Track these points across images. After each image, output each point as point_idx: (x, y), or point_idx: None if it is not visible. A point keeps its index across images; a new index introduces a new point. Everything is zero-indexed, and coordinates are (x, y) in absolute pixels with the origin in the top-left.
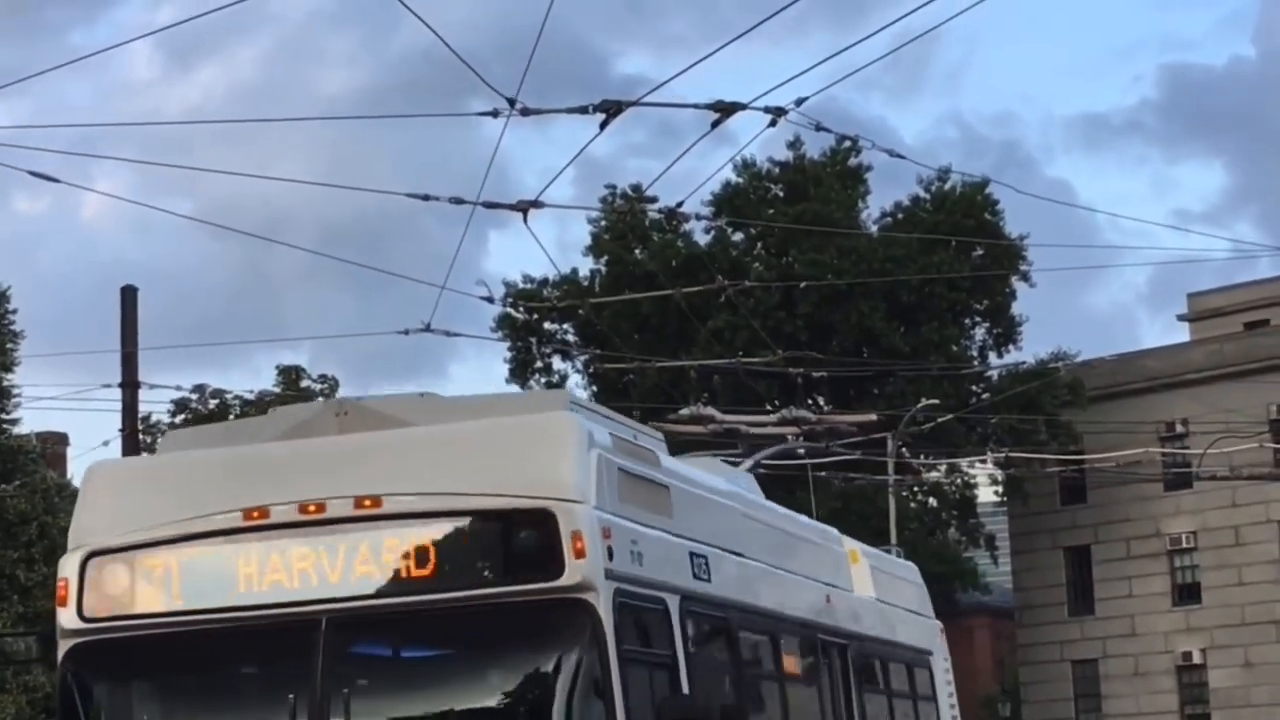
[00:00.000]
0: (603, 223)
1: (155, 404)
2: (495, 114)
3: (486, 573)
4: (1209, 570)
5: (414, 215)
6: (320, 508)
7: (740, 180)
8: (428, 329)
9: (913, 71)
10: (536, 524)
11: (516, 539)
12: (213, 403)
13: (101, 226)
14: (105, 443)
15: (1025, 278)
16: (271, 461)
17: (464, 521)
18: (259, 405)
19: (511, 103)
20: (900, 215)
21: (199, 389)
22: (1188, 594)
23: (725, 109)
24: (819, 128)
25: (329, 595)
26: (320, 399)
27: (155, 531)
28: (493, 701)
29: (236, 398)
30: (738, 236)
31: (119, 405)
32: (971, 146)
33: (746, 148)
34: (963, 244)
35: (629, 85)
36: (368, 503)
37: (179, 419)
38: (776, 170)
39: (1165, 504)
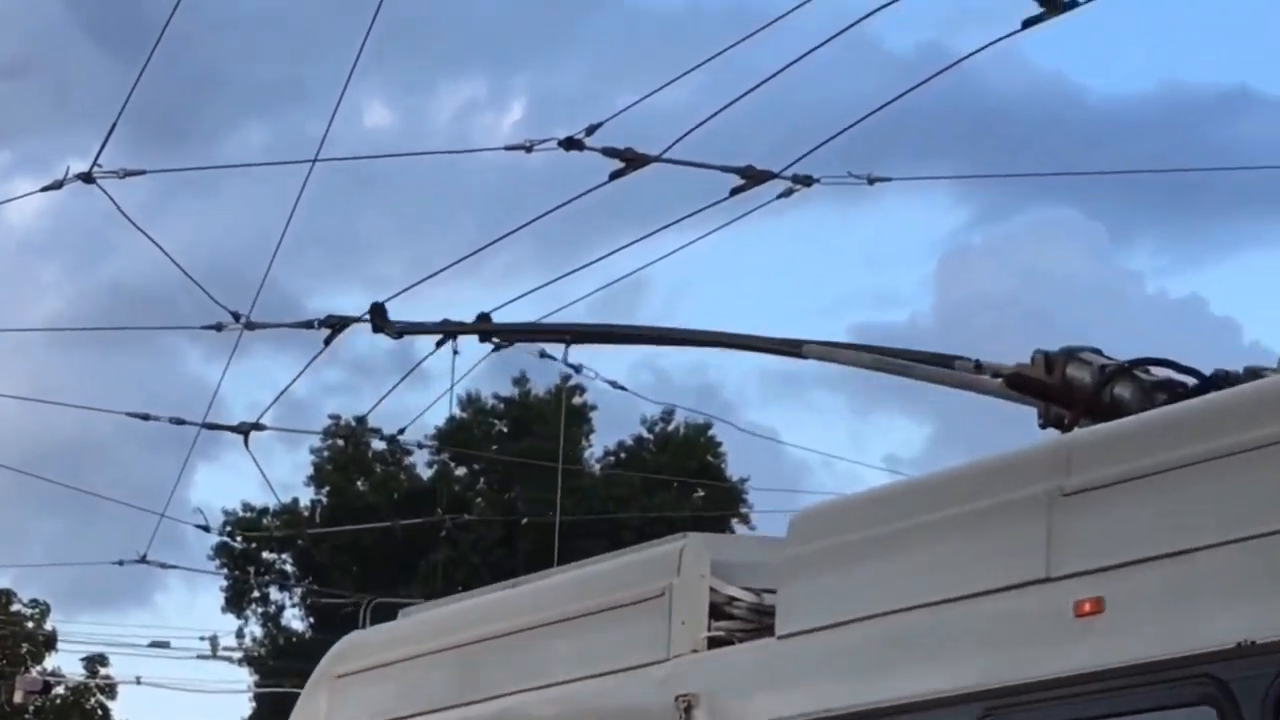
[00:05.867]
0: (325, 453)
1: None
2: (219, 327)
3: None
4: None
5: (115, 442)
6: None
7: (464, 414)
8: (143, 560)
9: (611, 317)
10: None
11: None
12: None
13: None
14: None
15: (745, 520)
16: None
17: None
18: None
19: (236, 317)
20: (624, 455)
21: None
22: None
23: (451, 330)
24: (542, 355)
25: None
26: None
27: None
28: None
29: None
30: (461, 471)
31: None
32: (669, 393)
33: (467, 375)
34: (685, 485)
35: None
36: None
37: None
38: (501, 406)
39: None
